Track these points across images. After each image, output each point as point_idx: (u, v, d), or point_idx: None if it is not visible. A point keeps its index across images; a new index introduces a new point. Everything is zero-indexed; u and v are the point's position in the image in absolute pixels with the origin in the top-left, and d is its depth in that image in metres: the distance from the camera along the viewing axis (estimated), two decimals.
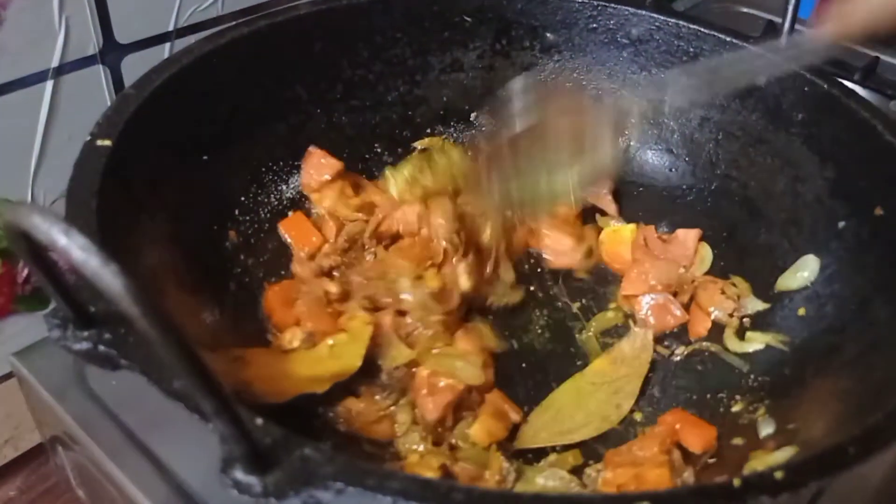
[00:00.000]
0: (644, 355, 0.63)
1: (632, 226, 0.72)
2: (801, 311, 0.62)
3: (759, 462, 0.50)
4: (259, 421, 0.35)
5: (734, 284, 0.67)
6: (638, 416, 0.59)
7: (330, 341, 0.57)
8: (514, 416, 0.57)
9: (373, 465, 0.43)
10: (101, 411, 0.59)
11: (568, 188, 0.62)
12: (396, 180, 0.72)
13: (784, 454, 0.49)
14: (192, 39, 0.68)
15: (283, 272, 0.66)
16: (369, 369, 0.57)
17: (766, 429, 0.54)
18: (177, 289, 0.54)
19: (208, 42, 0.62)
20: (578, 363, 0.63)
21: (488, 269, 0.66)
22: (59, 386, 0.61)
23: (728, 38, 0.70)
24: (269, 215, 0.68)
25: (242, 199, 0.66)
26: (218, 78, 0.62)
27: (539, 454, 0.56)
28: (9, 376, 0.68)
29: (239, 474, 0.32)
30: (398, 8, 0.72)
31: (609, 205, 0.74)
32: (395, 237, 0.67)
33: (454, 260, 0.62)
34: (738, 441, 0.55)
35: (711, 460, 0.55)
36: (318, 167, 0.69)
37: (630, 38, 0.74)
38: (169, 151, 0.58)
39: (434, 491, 0.34)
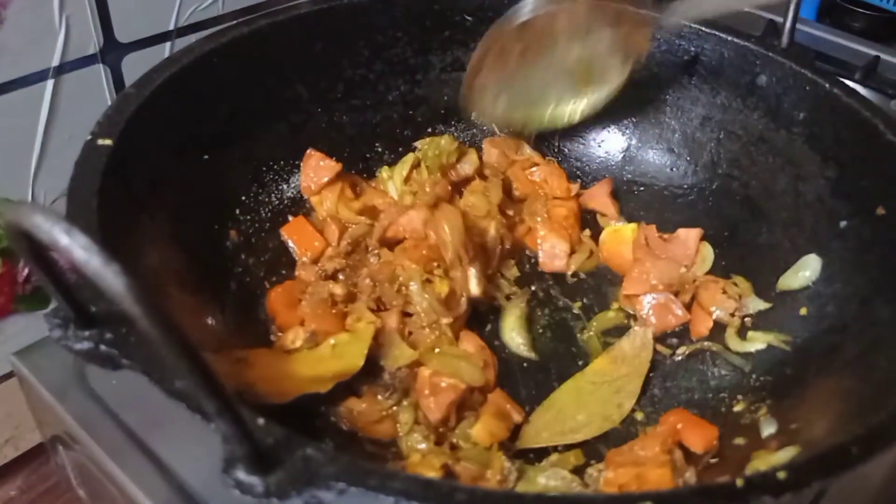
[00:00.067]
0: (644, 354, 0.63)
1: (633, 225, 0.72)
2: (803, 311, 0.62)
3: (762, 462, 0.50)
4: (261, 421, 0.35)
5: (736, 284, 0.67)
6: (639, 416, 0.59)
7: (332, 341, 0.57)
8: (516, 416, 0.57)
9: (375, 465, 0.43)
10: (101, 411, 0.59)
11: (571, 110, 0.61)
12: (395, 181, 0.72)
13: (786, 454, 0.49)
14: (192, 38, 0.68)
15: (284, 272, 0.66)
16: (371, 369, 0.57)
17: (768, 428, 0.54)
18: (178, 288, 0.54)
19: (209, 41, 0.62)
20: (580, 363, 0.63)
21: (490, 271, 0.67)
22: (59, 385, 0.61)
23: (729, 38, 0.70)
24: (269, 215, 0.68)
25: (243, 198, 0.66)
26: (219, 77, 0.62)
27: (541, 454, 0.56)
28: (9, 376, 0.68)
29: (241, 474, 0.32)
30: (399, 7, 0.72)
31: (608, 207, 0.74)
32: (401, 241, 0.67)
33: (463, 265, 0.62)
34: (739, 441, 0.55)
35: (713, 460, 0.54)
36: (317, 170, 0.69)
37: None
38: (170, 151, 0.58)
39: (436, 491, 0.34)
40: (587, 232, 0.73)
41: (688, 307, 0.66)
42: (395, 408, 0.56)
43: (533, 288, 0.69)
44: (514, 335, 0.64)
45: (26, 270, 0.66)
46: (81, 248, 0.27)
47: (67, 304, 0.37)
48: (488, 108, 0.70)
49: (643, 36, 0.67)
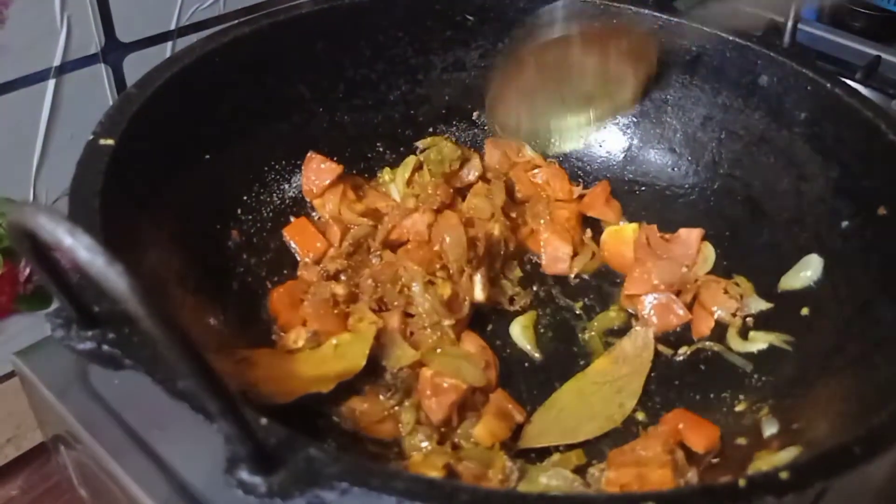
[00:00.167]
0: (645, 353, 0.63)
1: (634, 225, 0.72)
2: (805, 311, 0.62)
3: (764, 462, 0.50)
4: (264, 421, 0.35)
5: (737, 284, 0.67)
6: (641, 416, 0.59)
7: (334, 341, 0.57)
8: (518, 416, 0.57)
9: (377, 465, 0.43)
10: (103, 410, 0.59)
11: (586, 120, 0.62)
12: (397, 183, 0.72)
13: (788, 454, 0.49)
14: (194, 38, 0.68)
15: (286, 272, 0.66)
16: (373, 369, 0.57)
17: (770, 429, 0.54)
18: (179, 288, 0.54)
19: (210, 41, 0.62)
20: (581, 363, 0.63)
21: (494, 273, 0.67)
22: (60, 385, 0.61)
23: (731, 38, 0.70)
24: (271, 214, 0.68)
25: (245, 198, 0.66)
26: (220, 77, 0.62)
27: (542, 454, 0.56)
28: (10, 375, 0.68)
29: (244, 474, 0.32)
30: (400, 7, 0.72)
31: (607, 213, 0.74)
32: (404, 244, 0.67)
33: (467, 272, 0.62)
34: (741, 441, 0.55)
35: (715, 460, 0.54)
36: (318, 172, 0.69)
37: None
38: (171, 150, 0.58)
39: (439, 491, 0.34)
40: (589, 232, 0.73)
41: (689, 307, 0.66)
42: (396, 408, 0.56)
43: (535, 288, 0.69)
44: (521, 336, 0.64)
45: (28, 270, 0.66)
46: (85, 249, 0.27)
47: (70, 305, 0.37)
48: (511, 124, 0.70)
49: (652, 48, 0.67)
